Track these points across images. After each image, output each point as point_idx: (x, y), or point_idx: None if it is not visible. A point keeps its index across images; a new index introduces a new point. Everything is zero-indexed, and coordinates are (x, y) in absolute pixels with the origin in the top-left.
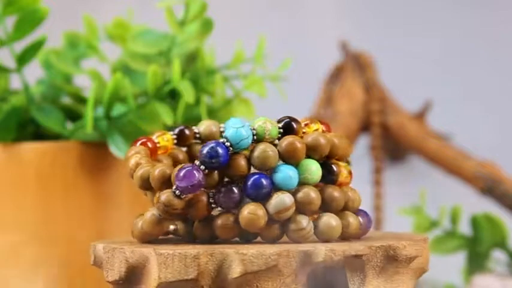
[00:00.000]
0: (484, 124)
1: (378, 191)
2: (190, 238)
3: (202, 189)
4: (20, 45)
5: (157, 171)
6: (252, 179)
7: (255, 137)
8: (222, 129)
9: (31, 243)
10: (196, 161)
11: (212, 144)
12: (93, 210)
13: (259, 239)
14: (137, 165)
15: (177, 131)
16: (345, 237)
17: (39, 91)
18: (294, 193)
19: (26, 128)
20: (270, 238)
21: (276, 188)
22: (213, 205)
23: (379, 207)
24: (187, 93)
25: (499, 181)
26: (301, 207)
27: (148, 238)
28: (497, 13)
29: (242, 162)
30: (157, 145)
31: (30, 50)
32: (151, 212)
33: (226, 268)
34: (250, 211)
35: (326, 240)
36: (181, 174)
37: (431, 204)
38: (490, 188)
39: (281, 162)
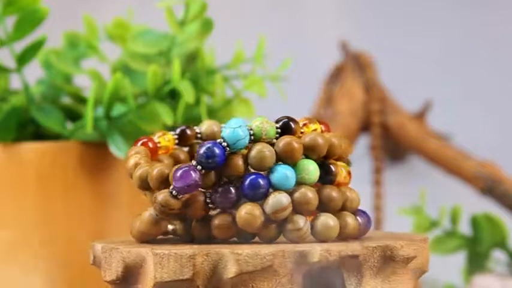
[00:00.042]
0: (484, 124)
1: (377, 191)
2: (188, 238)
3: (199, 189)
4: (20, 45)
5: (155, 171)
6: (249, 179)
7: (252, 137)
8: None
9: (31, 243)
10: (193, 161)
11: (209, 145)
12: (93, 210)
13: (256, 239)
14: (136, 165)
15: (178, 131)
16: (343, 237)
17: (39, 91)
18: (291, 193)
19: (26, 128)
20: (267, 238)
21: (273, 188)
22: (210, 205)
23: (379, 207)
24: (187, 93)
25: (499, 181)
26: (298, 207)
27: (146, 238)
28: (497, 13)
29: (239, 162)
30: (158, 145)
31: (30, 50)
32: (149, 212)
33: (221, 268)
34: (247, 211)
35: (323, 241)
36: (178, 174)
37: (431, 204)
38: (490, 188)
39: (279, 162)
